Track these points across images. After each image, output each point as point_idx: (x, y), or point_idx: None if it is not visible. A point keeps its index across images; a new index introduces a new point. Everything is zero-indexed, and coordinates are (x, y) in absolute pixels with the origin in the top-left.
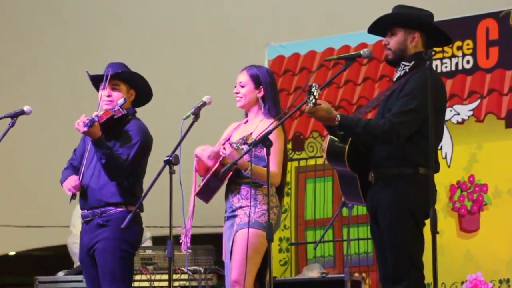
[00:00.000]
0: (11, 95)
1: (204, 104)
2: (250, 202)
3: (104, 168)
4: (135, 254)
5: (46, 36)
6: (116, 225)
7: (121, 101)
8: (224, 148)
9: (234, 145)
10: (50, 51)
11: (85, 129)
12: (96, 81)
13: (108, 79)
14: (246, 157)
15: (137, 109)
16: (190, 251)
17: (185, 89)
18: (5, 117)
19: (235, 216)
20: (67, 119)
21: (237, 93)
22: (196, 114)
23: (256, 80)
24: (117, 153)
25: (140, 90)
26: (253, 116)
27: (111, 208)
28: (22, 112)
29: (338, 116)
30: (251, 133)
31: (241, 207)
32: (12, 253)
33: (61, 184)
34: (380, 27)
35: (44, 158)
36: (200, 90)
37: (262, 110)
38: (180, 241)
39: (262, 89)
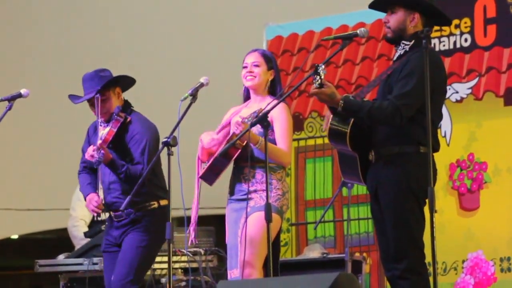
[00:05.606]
0: (9, 78)
1: (202, 85)
2: (267, 186)
3: (124, 183)
4: (160, 247)
5: (43, 18)
6: (149, 220)
7: (116, 110)
8: (237, 126)
9: (246, 120)
10: (48, 32)
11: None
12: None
13: (99, 102)
14: (255, 131)
15: (137, 93)
16: (195, 241)
17: (183, 70)
18: (2, 100)
19: (246, 199)
20: (68, 102)
21: (251, 72)
22: (194, 95)
23: (269, 62)
24: (133, 164)
25: (124, 85)
26: (260, 99)
27: (144, 205)
28: (19, 96)
29: (341, 101)
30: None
31: (255, 191)
32: (14, 236)
33: (81, 192)
34: (381, 3)
35: (44, 141)
36: (198, 71)
37: (269, 93)
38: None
39: (273, 72)
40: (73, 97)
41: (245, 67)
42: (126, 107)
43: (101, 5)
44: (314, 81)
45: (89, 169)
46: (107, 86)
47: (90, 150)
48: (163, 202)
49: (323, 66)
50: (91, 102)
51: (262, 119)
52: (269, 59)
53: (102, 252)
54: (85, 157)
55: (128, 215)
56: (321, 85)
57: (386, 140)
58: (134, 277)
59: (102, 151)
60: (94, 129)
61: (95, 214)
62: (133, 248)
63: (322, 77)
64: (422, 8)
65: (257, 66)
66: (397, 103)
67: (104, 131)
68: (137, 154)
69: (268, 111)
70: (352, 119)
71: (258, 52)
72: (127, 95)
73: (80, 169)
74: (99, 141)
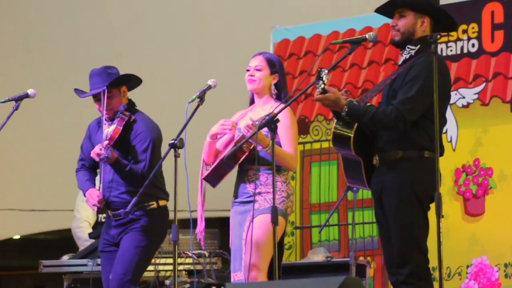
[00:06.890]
0: (15, 78)
1: (209, 87)
2: (274, 188)
3: (125, 182)
4: (157, 248)
5: (49, 17)
6: (148, 220)
7: (121, 108)
8: (247, 130)
9: (256, 123)
10: (55, 32)
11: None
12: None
13: (105, 99)
14: (267, 134)
15: (144, 95)
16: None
17: (190, 73)
18: (9, 100)
19: (251, 202)
20: (73, 102)
21: (252, 75)
22: (201, 97)
23: (272, 66)
24: (135, 162)
25: (131, 84)
26: (262, 102)
27: (143, 205)
28: (26, 96)
29: (346, 106)
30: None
31: (259, 193)
32: (17, 236)
33: (80, 189)
34: (391, 7)
35: (49, 141)
36: (205, 73)
37: (273, 97)
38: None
39: (277, 76)
40: (79, 92)
41: (248, 70)
42: (131, 106)
43: (108, 6)
44: (317, 86)
45: (87, 167)
46: (114, 83)
47: (97, 149)
48: (162, 203)
49: (326, 71)
50: (96, 98)
51: (270, 122)
52: (273, 64)
53: (99, 251)
54: (84, 154)
55: (127, 214)
56: (324, 91)
57: (390, 145)
58: (132, 276)
59: (110, 149)
60: (96, 127)
61: (95, 209)
62: (132, 248)
63: (325, 82)
64: (432, 12)
65: (259, 70)
66: (401, 108)
67: (109, 129)
68: (140, 152)
69: (276, 114)
70: (356, 124)
71: (262, 56)
72: (136, 96)
73: (78, 166)
74: (106, 141)
